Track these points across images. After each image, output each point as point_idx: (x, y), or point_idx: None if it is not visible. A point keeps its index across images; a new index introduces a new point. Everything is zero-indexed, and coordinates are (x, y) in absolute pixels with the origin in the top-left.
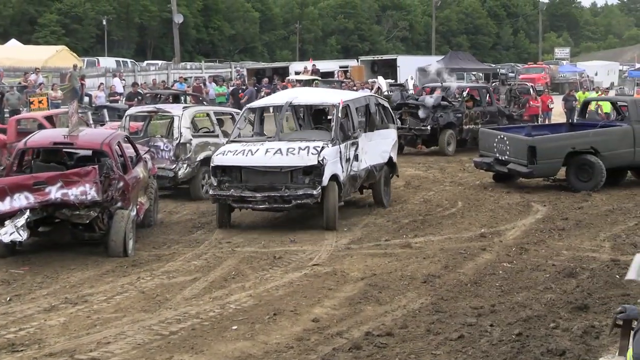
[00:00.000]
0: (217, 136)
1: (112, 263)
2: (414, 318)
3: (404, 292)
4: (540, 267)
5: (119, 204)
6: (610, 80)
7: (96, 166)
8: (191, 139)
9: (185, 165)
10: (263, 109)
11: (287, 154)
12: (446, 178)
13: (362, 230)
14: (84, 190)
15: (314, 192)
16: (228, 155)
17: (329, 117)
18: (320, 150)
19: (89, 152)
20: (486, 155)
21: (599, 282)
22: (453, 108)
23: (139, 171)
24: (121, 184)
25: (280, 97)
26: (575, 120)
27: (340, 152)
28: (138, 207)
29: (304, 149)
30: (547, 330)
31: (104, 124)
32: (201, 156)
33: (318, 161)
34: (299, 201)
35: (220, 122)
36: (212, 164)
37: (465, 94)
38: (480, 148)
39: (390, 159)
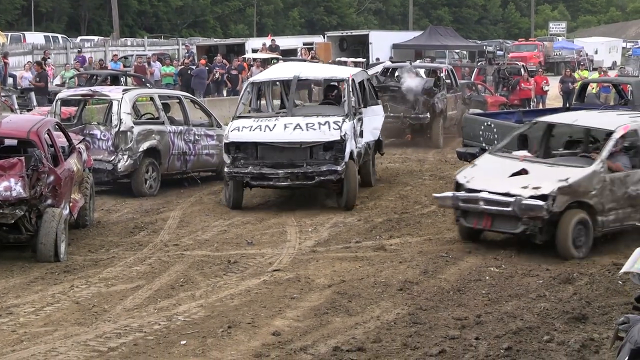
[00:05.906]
0: (162, 123)
1: (41, 269)
2: (389, 331)
3: (377, 301)
4: (532, 272)
5: (49, 202)
6: (612, 59)
7: (22, 158)
8: (132, 127)
9: (125, 157)
10: (261, 84)
11: (307, 129)
12: (425, 171)
13: (330, 230)
14: (9, 186)
15: (338, 168)
16: (244, 131)
17: (333, 93)
18: (341, 125)
19: (14, 142)
20: (471, 145)
21: (599, 289)
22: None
23: (72, 163)
24: (52, 178)
25: (283, 72)
26: (572, 105)
27: (354, 127)
28: (71, 204)
29: (324, 124)
30: (541, 343)
31: (31, 109)
32: (144, 146)
33: (340, 136)
34: (322, 178)
35: (166, 107)
36: (225, 141)
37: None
38: (464, 137)
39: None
